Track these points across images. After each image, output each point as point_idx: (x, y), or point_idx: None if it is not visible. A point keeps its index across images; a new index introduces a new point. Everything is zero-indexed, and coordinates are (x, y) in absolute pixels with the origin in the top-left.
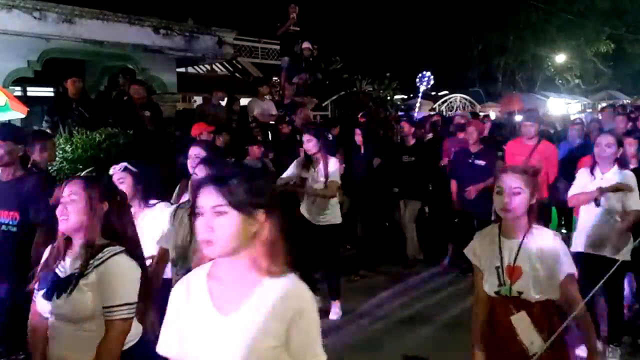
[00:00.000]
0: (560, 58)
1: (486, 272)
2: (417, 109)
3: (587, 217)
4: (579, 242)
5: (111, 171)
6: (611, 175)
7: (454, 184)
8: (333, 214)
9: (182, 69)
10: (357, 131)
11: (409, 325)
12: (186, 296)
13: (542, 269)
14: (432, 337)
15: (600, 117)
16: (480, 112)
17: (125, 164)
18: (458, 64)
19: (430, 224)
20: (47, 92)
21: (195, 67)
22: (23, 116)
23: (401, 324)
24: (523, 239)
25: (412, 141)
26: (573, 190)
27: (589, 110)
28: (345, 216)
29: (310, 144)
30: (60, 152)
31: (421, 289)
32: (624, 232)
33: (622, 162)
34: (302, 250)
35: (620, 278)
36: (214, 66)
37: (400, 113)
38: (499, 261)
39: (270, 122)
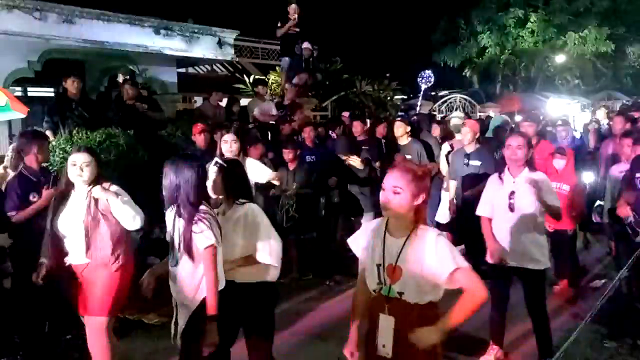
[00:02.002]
0: (560, 58)
1: (367, 268)
2: (418, 109)
3: (501, 226)
4: (495, 254)
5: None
6: (522, 179)
7: (452, 187)
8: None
9: (183, 70)
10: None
11: None
12: None
13: (424, 270)
14: None
15: (611, 123)
16: (480, 112)
17: (217, 159)
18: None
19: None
20: (47, 92)
21: (196, 67)
22: (23, 116)
23: None
24: (407, 239)
25: (407, 140)
26: (482, 208)
27: (586, 111)
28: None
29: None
30: (61, 152)
31: None
32: (540, 239)
33: (531, 164)
34: None
35: (542, 289)
36: (214, 66)
37: (400, 113)
38: (380, 259)
39: (271, 122)
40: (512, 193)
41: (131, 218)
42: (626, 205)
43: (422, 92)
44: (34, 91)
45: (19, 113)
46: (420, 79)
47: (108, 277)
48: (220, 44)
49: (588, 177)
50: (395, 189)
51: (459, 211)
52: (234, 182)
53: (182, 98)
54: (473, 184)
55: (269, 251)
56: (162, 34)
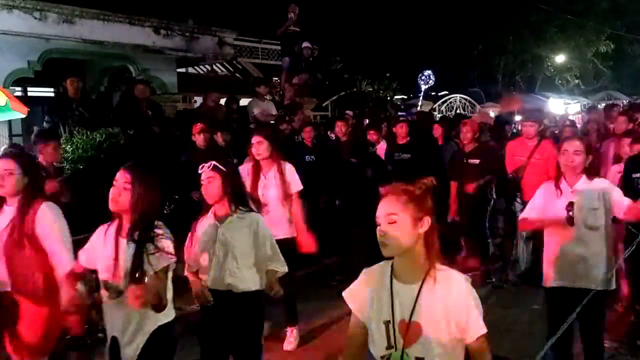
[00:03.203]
0: (560, 58)
1: (371, 327)
2: (418, 106)
3: (558, 241)
4: (550, 275)
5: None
6: (582, 187)
7: (453, 187)
8: (283, 229)
9: (183, 69)
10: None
11: None
12: None
13: (447, 328)
14: None
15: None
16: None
17: (214, 162)
18: (458, 64)
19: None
20: (47, 92)
21: (196, 67)
22: (23, 116)
23: None
24: (422, 285)
25: (406, 139)
26: (528, 212)
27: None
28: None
29: (261, 146)
30: (61, 152)
31: None
32: (607, 255)
33: (590, 172)
34: None
35: (602, 313)
36: (214, 66)
37: (400, 113)
38: (389, 314)
39: (271, 122)
40: (571, 204)
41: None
42: None
43: (422, 92)
44: (34, 91)
45: (18, 113)
46: (420, 79)
47: (34, 313)
48: (220, 43)
49: None
50: (390, 217)
51: (459, 212)
52: (236, 188)
53: (182, 98)
54: (471, 182)
55: (281, 264)
56: (162, 33)
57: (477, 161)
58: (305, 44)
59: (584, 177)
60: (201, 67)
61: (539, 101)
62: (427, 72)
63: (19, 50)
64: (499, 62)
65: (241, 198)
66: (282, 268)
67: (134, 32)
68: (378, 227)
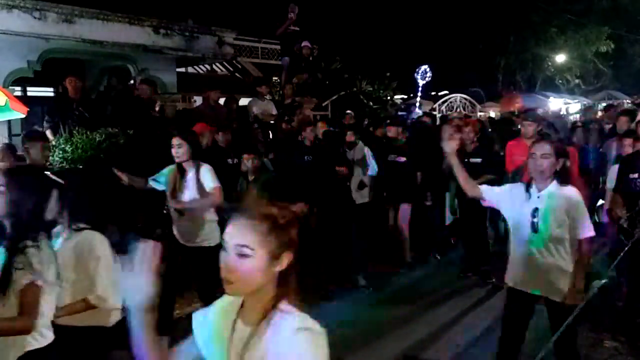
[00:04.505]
0: (561, 58)
1: None
2: (417, 106)
3: (522, 245)
4: (510, 275)
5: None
6: (550, 194)
7: (453, 186)
8: (207, 235)
9: (182, 69)
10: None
11: (407, 327)
12: None
13: None
14: (430, 338)
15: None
16: (480, 112)
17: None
18: (458, 64)
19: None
20: (47, 92)
21: (195, 67)
22: (23, 116)
23: (399, 325)
24: (257, 328)
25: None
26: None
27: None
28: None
29: (180, 149)
30: (60, 152)
31: (416, 290)
32: (569, 267)
33: (563, 177)
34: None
35: (573, 326)
36: (214, 66)
37: (400, 113)
38: (224, 355)
39: (271, 122)
40: (536, 210)
41: None
42: (620, 207)
43: (419, 88)
44: (33, 91)
45: (18, 113)
46: (417, 74)
47: None
48: (220, 43)
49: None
50: (242, 249)
51: (460, 213)
52: (72, 200)
53: (182, 98)
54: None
55: (108, 293)
56: (162, 33)
57: (478, 160)
58: (305, 44)
59: (554, 182)
60: (201, 66)
61: (539, 101)
62: (424, 67)
63: (18, 50)
64: (499, 62)
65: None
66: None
67: (133, 31)
68: (223, 257)
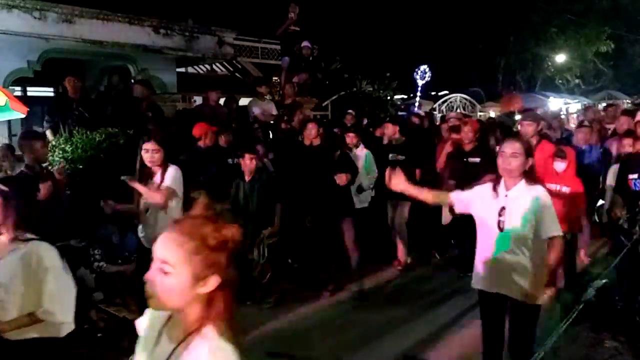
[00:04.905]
0: (561, 58)
1: None
2: (416, 105)
3: (486, 245)
4: (476, 277)
5: None
6: (518, 193)
7: (452, 186)
8: None
9: (182, 69)
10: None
11: (407, 327)
12: None
13: None
14: (430, 338)
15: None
16: (480, 112)
17: None
18: (458, 64)
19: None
20: (47, 92)
21: (195, 67)
22: (23, 116)
23: (399, 325)
24: (177, 348)
25: (400, 139)
26: (457, 195)
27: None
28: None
29: (157, 155)
30: (60, 152)
31: (416, 290)
32: (532, 267)
33: (530, 176)
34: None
35: (530, 328)
36: (214, 66)
37: (401, 113)
38: None
39: (271, 122)
40: (503, 209)
41: None
42: (620, 207)
43: (419, 89)
44: (33, 91)
45: (18, 113)
46: (416, 74)
47: None
48: (220, 43)
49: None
50: (163, 265)
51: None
52: (15, 209)
53: (182, 98)
54: (472, 181)
55: (56, 306)
56: (162, 33)
57: (477, 160)
58: (305, 44)
59: (522, 181)
60: (201, 66)
61: (539, 101)
62: (423, 67)
63: (18, 50)
64: (499, 62)
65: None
66: None
67: (133, 31)
68: (150, 269)
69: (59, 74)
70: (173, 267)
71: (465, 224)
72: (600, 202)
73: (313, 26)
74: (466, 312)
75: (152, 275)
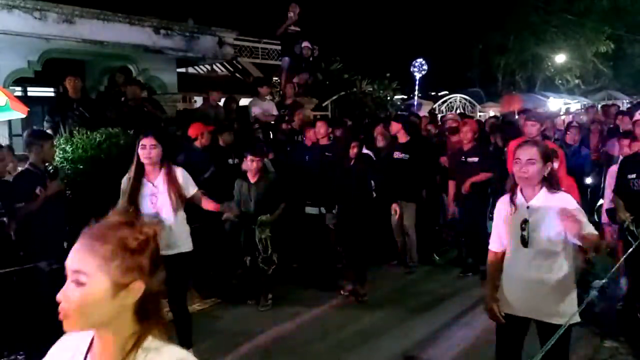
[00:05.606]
0: (560, 58)
1: None
2: (415, 103)
3: (512, 264)
4: (501, 300)
5: None
6: (539, 203)
7: (451, 186)
8: (180, 241)
9: (183, 69)
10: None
11: (407, 327)
12: None
13: None
14: (430, 338)
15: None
16: (480, 112)
17: None
18: (458, 63)
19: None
20: (47, 92)
21: (196, 67)
22: (23, 116)
23: (399, 325)
24: None
25: (405, 138)
26: (492, 241)
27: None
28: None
29: (154, 150)
30: (61, 152)
31: (416, 290)
32: (565, 284)
33: (551, 183)
34: None
35: (565, 351)
36: (214, 66)
37: (400, 113)
38: None
39: (271, 122)
40: (525, 222)
41: None
42: (623, 209)
43: (416, 82)
44: (34, 91)
45: (19, 113)
46: (413, 67)
47: None
48: (220, 43)
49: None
50: (77, 275)
51: (459, 211)
52: None
53: (182, 98)
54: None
55: None
56: (162, 33)
57: (475, 159)
58: (305, 44)
59: (543, 189)
60: (201, 67)
61: (539, 101)
62: (420, 60)
63: (18, 50)
64: (499, 62)
65: None
66: None
67: (134, 32)
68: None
69: (59, 74)
70: (87, 277)
71: (465, 225)
72: (600, 202)
73: (313, 26)
74: (466, 312)
75: (65, 290)
